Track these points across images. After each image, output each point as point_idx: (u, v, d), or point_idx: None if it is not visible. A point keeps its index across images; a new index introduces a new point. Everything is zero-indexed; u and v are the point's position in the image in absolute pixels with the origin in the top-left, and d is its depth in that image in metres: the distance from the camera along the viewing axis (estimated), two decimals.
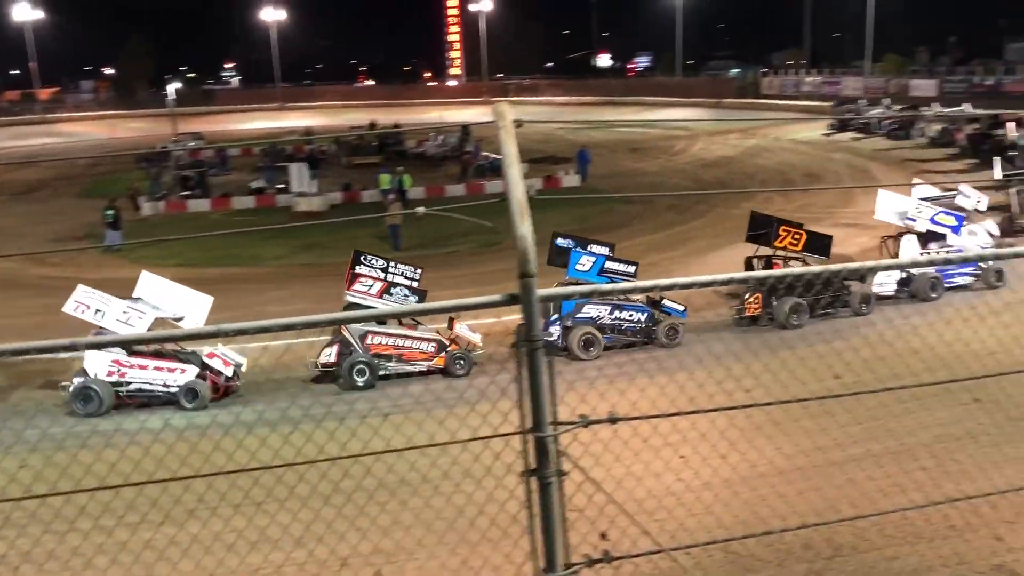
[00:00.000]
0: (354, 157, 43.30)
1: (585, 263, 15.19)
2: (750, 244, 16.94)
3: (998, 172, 19.34)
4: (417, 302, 13.97)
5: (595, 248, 15.86)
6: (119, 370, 13.02)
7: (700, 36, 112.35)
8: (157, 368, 13.17)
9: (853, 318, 15.50)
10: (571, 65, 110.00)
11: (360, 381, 13.57)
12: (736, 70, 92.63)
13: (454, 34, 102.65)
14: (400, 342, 14.11)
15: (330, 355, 13.77)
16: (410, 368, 14.08)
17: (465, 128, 48.82)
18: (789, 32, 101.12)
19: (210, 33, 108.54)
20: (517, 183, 3.05)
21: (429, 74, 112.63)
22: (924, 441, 7.88)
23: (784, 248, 15.94)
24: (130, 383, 13.12)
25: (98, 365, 12.90)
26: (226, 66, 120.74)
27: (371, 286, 14.34)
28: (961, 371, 4.84)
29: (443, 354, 14.19)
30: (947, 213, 17.20)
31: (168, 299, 13.75)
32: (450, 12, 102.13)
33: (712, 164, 38.81)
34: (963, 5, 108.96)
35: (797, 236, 16.01)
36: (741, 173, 35.65)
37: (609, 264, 15.26)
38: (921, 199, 17.71)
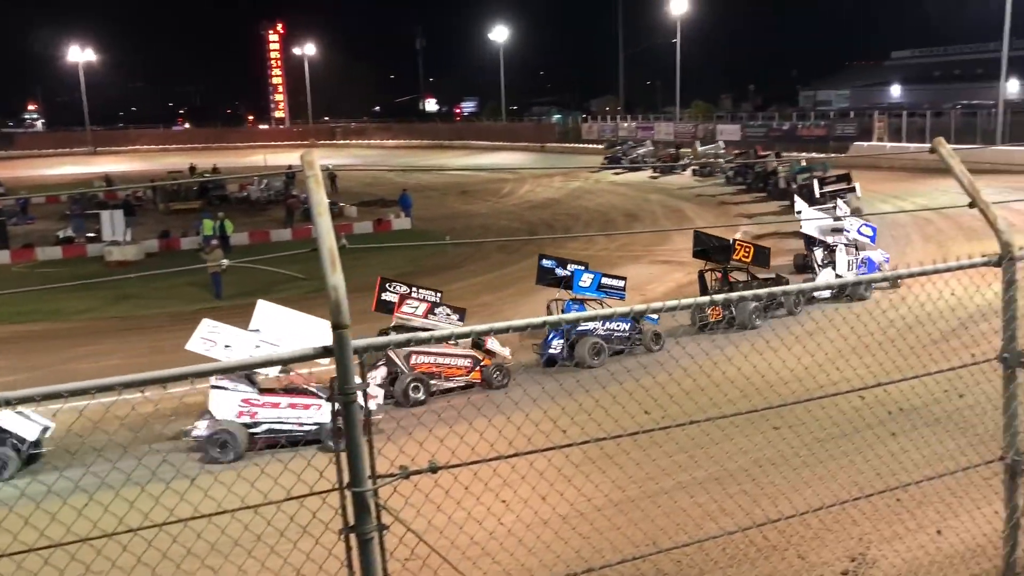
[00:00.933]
0: (172, 203, 41.49)
1: (586, 280, 16.43)
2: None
3: (800, 205, 20.76)
4: (459, 319, 14.97)
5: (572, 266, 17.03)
6: (249, 410, 12.20)
7: (523, 82, 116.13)
8: (292, 406, 12.32)
9: (653, 354, 15.61)
10: (399, 109, 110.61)
11: (419, 397, 13.79)
12: (558, 116, 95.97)
13: (277, 77, 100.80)
14: (441, 360, 14.60)
15: (376, 378, 14.02)
16: (450, 384, 14.46)
17: (291, 171, 48.00)
18: (605, 80, 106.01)
19: (8, 74, 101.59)
20: (327, 232, 2.98)
21: (252, 117, 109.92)
22: (743, 465, 8.28)
23: (739, 260, 17.52)
24: (260, 423, 12.20)
25: (225, 407, 12.11)
26: (29, 108, 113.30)
27: (417, 307, 14.99)
28: (771, 398, 5.13)
29: (478, 368, 14.78)
30: (867, 225, 18.76)
31: (288, 328, 12.75)
32: (272, 55, 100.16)
33: (539, 206, 39.83)
34: (760, 57, 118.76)
35: (747, 250, 17.66)
36: (565, 214, 36.78)
37: (605, 280, 16.63)
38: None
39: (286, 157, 69.01)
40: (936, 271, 4.21)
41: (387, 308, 14.85)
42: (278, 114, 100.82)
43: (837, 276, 17.60)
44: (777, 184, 35.00)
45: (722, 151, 44.95)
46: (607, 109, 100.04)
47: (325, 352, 2.97)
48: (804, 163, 35.67)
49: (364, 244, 30.29)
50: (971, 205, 4.13)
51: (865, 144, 48.06)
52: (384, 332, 14.18)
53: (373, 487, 2.99)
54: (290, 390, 12.66)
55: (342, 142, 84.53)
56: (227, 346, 12.29)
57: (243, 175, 47.23)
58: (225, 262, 4.07)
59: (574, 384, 12.33)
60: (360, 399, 2.98)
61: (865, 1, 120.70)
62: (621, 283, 16.72)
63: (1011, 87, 66.68)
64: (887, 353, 5.55)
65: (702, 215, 33.72)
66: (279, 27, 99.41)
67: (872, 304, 15.10)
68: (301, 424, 12.23)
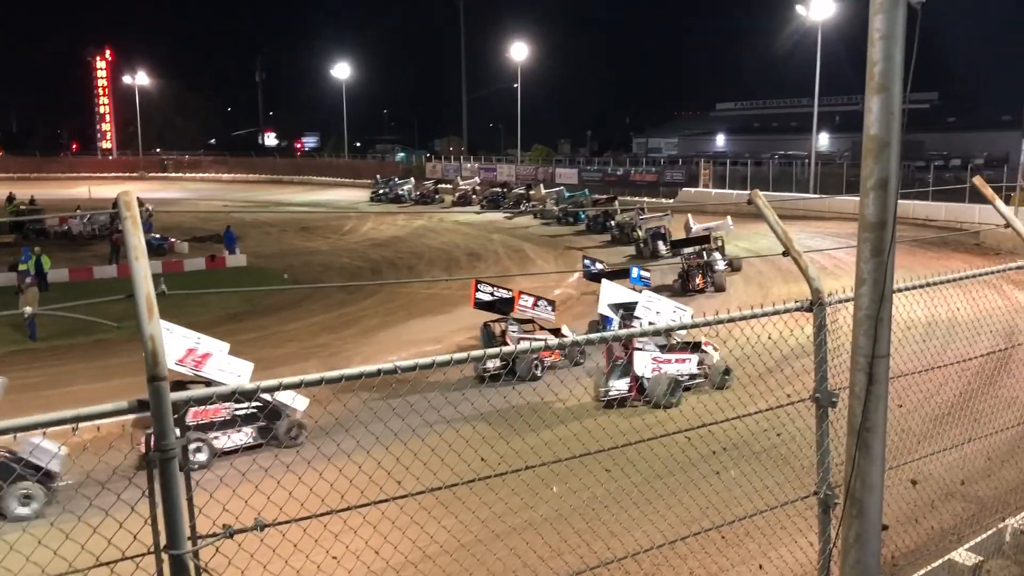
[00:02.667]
0: None
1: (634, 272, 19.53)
2: (422, 321, 17.69)
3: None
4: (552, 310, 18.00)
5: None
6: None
7: (367, 119, 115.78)
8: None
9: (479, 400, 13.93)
10: (236, 142, 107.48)
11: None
12: (401, 154, 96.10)
13: (104, 106, 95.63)
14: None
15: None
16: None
17: (116, 204, 45.48)
18: (449, 121, 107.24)
19: None
20: (145, 278, 2.81)
21: (76, 146, 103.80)
22: (578, 506, 8.41)
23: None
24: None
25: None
26: None
27: (530, 300, 16.96)
28: (602, 438, 5.25)
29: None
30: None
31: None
32: (99, 82, 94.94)
33: (382, 244, 39.52)
34: (597, 104, 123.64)
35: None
36: (409, 252, 36.67)
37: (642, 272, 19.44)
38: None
39: (113, 189, 65.50)
40: (754, 316, 4.45)
41: (484, 305, 17.86)
42: (105, 144, 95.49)
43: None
44: (618, 227, 37.69)
45: (586, 195, 46.56)
46: (451, 149, 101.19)
47: (141, 406, 2.79)
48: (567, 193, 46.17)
49: (193, 285, 29.10)
50: (785, 254, 4.40)
51: (693, 190, 50.82)
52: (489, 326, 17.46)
53: (193, 548, 2.82)
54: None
55: (174, 175, 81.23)
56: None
57: (66, 212, 44.41)
58: (28, 310, 3.72)
59: (406, 431, 12.21)
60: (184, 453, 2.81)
61: (693, 55, 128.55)
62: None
63: (822, 139, 72.38)
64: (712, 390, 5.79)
65: (542, 255, 34.47)
66: (107, 54, 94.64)
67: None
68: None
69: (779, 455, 8.12)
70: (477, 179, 59.06)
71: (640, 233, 34.34)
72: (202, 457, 12.76)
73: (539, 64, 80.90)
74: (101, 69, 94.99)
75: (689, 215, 32.21)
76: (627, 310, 16.20)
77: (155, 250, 35.03)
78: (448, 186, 57.61)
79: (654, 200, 47.84)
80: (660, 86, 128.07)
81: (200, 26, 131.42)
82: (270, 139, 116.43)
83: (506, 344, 17.18)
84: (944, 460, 6.42)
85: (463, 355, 3.28)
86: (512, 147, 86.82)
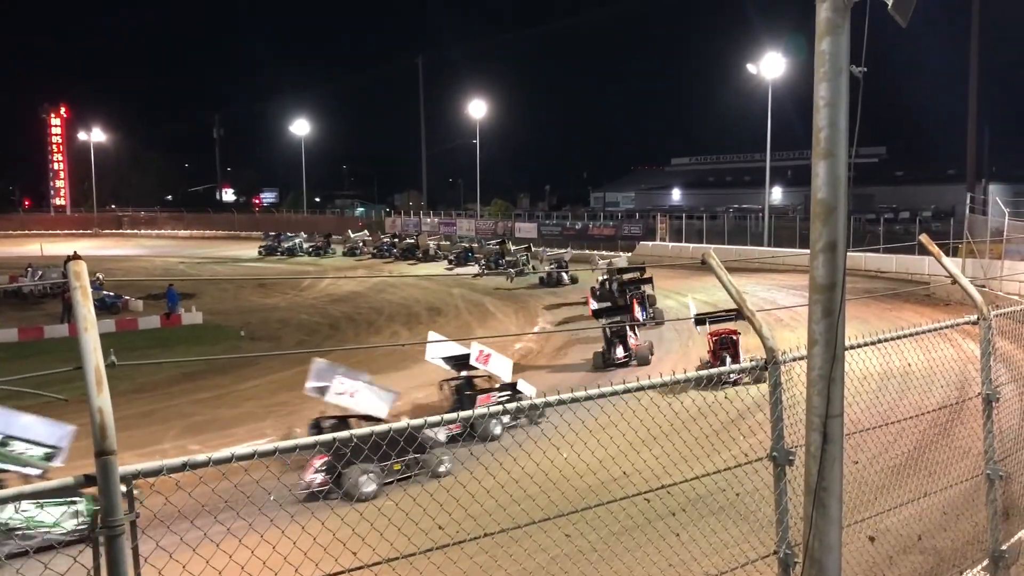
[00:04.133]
0: None
1: None
2: (382, 377, 17.41)
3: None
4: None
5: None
6: None
7: (325, 174, 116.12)
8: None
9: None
10: (193, 198, 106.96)
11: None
12: (361, 208, 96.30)
13: (58, 162, 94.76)
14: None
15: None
16: None
17: (66, 273, 44.75)
18: (409, 175, 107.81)
19: None
20: (94, 350, 2.76)
21: (28, 203, 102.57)
22: (543, 563, 8.29)
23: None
24: None
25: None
26: None
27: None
28: (567, 491, 5.20)
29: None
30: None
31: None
32: (54, 139, 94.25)
33: (341, 299, 39.28)
34: (555, 159, 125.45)
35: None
36: (368, 308, 36.47)
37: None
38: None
39: (66, 246, 64.62)
40: (718, 373, 4.49)
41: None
42: (58, 201, 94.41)
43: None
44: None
45: (566, 253, 47.12)
46: (410, 204, 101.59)
47: (88, 480, 2.72)
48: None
49: (148, 342, 28.59)
50: (738, 314, 4.47)
51: (650, 244, 51.43)
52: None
53: None
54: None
55: (130, 231, 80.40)
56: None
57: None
58: None
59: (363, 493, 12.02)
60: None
61: (648, 111, 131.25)
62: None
63: (775, 193, 73.83)
64: (673, 444, 5.80)
65: (502, 309, 34.52)
66: (62, 110, 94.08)
67: (657, 397, 15.85)
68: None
69: (738, 513, 8.12)
70: (435, 236, 59.74)
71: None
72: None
73: (498, 120, 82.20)
74: (56, 125, 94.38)
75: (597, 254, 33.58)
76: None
77: (108, 308, 34.45)
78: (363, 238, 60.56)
79: (612, 253, 48.35)
80: (616, 141, 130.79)
81: (158, 82, 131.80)
82: (228, 195, 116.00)
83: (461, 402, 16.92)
84: (901, 514, 6.47)
85: (418, 421, 3.26)
86: (472, 201, 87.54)
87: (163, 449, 16.74)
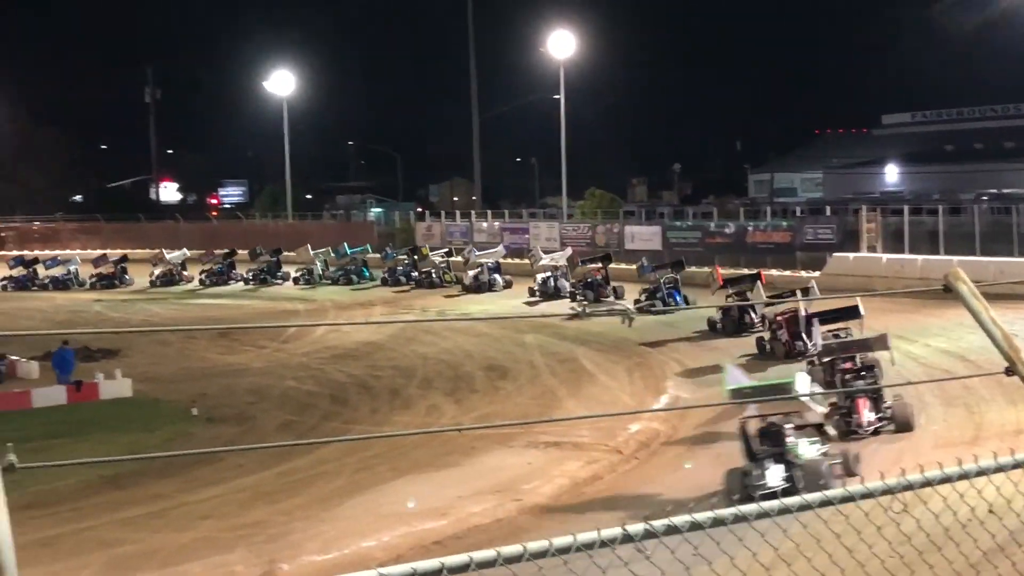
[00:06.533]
0: None
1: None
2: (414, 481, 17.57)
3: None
4: None
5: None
6: None
7: (322, 157, 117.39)
8: None
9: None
10: (115, 199, 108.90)
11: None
12: (377, 209, 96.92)
13: None
14: None
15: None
16: None
17: None
18: (452, 155, 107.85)
19: None
20: None
21: None
22: None
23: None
24: None
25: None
26: None
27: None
28: None
29: None
30: None
31: None
32: None
33: (347, 355, 39.65)
34: (689, 125, 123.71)
35: None
36: (391, 367, 36.69)
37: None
38: None
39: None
40: (972, 474, 4.35)
41: None
42: None
43: None
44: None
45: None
46: (455, 199, 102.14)
47: None
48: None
49: (49, 428, 29.23)
50: (1009, 372, 4.35)
51: (850, 255, 50.52)
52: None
53: None
54: None
55: (15, 253, 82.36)
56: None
57: None
58: None
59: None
60: None
61: (841, 42, 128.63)
62: None
63: None
64: None
65: (607, 368, 34.35)
66: None
67: (870, 512, 15.51)
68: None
69: None
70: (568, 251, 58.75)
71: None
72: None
73: (592, 63, 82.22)
74: None
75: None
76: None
77: None
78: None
79: (788, 273, 47.80)
80: (789, 90, 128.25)
81: (54, 23, 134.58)
82: (168, 192, 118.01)
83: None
84: None
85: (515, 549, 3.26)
86: (552, 194, 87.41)
87: None
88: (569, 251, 53.77)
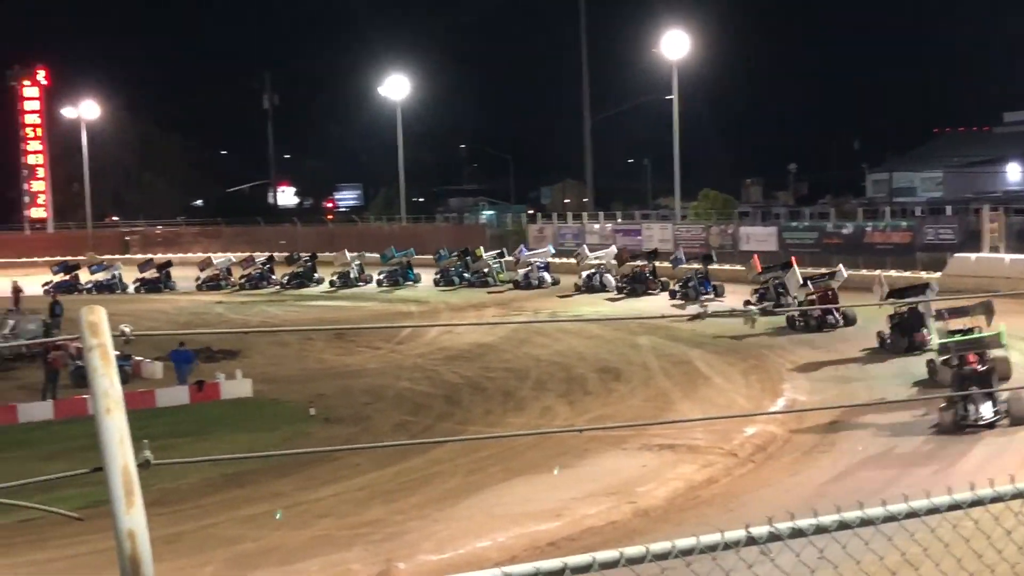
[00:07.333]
0: None
1: None
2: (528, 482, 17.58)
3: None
4: None
5: None
6: None
7: (434, 161, 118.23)
8: None
9: None
10: (234, 203, 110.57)
11: None
12: (489, 212, 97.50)
13: (36, 154, 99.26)
14: None
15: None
16: None
17: (55, 306, 47.52)
18: (563, 157, 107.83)
19: None
20: (121, 443, 2.91)
21: None
22: None
23: None
24: None
25: None
26: None
27: None
28: None
29: None
30: None
31: None
32: (27, 118, 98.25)
33: (459, 357, 39.88)
34: (805, 123, 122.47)
35: None
36: (504, 368, 36.85)
37: None
38: None
39: (43, 280, 68.44)
40: None
41: None
42: (35, 212, 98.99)
43: None
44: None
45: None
46: (566, 201, 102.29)
47: None
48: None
49: (174, 428, 29.82)
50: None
51: (972, 256, 49.59)
52: None
53: None
54: None
55: (140, 256, 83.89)
56: None
57: None
58: None
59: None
60: None
61: (958, 39, 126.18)
62: None
63: None
64: None
65: (722, 369, 34.15)
66: (40, 76, 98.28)
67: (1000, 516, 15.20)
68: None
69: None
70: (613, 249, 60.14)
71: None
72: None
73: (706, 64, 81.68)
74: (31, 99, 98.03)
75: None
76: None
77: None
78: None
79: (907, 274, 47.08)
80: (908, 90, 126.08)
81: (180, 30, 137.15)
82: (286, 196, 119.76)
83: None
84: None
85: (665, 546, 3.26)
86: (664, 195, 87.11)
87: None
88: (615, 249, 57.87)
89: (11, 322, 43.36)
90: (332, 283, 64.81)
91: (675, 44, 70.26)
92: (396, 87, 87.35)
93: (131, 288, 67.26)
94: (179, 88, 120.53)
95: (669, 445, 24.75)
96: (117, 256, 79.46)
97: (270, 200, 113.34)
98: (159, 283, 67.69)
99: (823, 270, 42.80)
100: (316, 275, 66.31)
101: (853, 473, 21.89)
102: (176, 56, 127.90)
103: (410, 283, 63.19)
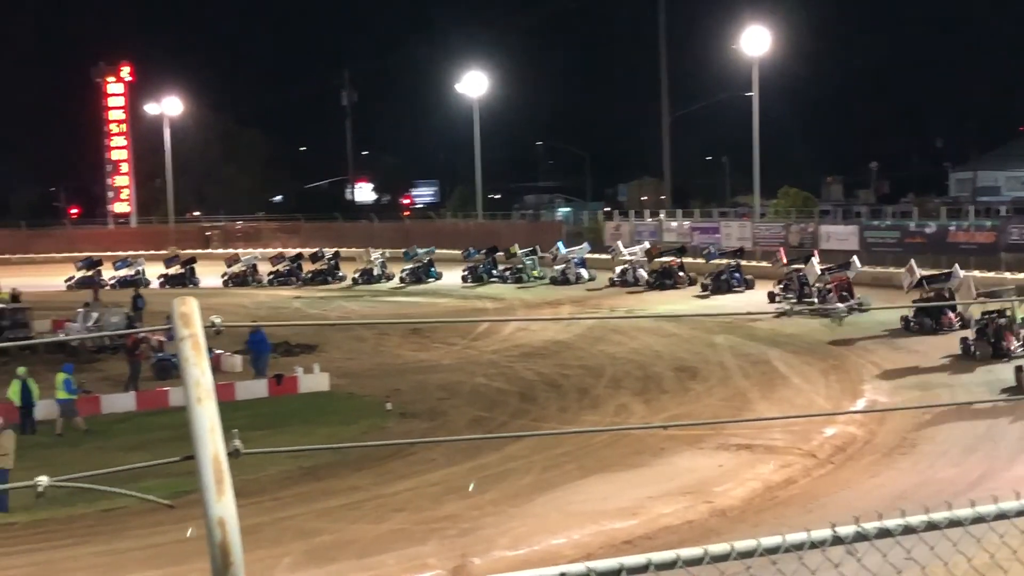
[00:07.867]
0: None
1: None
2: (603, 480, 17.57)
3: None
4: None
5: None
6: None
7: (510, 158, 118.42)
8: None
9: None
10: (313, 199, 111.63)
11: None
12: (565, 209, 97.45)
13: (119, 149, 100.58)
14: None
15: None
16: None
17: (137, 300, 48.20)
18: (639, 156, 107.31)
19: None
20: (211, 431, 2.94)
21: (77, 210, 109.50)
22: None
23: None
24: None
25: None
26: None
27: None
28: None
29: None
30: None
31: None
32: (112, 114, 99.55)
33: (535, 353, 39.94)
34: (886, 120, 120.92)
35: None
36: (580, 367, 36.82)
37: None
38: None
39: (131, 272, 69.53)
40: None
41: None
42: (119, 207, 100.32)
43: None
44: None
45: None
46: (643, 198, 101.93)
47: None
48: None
49: (254, 421, 30.09)
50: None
51: None
52: None
53: None
54: None
55: (220, 251, 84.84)
56: None
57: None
58: (44, 479, 3.79)
59: None
60: None
61: None
62: None
63: None
64: None
65: (801, 369, 33.93)
66: (125, 72, 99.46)
67: None
68: None
69: None
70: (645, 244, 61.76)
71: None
72: None
73: (786, 60, 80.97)
74: (115, 95, 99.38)
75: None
76: None
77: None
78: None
79: (991, 275, 46.40)
80: (992, 87, 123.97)
81: (257, 30, 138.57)
82: (363, 192, 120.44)
83: None
84: None
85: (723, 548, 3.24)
86: (742, 192, 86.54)
87: None
88: (647, 244, 60.50)
89: (95, 315, 43.95)
90: (355, 280, 66.17)
91: (755, 40, 69.77)
92: (473, 84, 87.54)
93: (155, 284, 67.33)
94: (259, 85, 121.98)
95: (746, 445, 24.66)
96: (199, 251, 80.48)
97: (348, 196, 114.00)
98: (184, 279, 68.21)
99: (933, 271, 43.12)
100: (339, 273, 67.91)
101: (934, 476, 21.68)
102: (256, 53, 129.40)
103: (432, 279, 65.47)
